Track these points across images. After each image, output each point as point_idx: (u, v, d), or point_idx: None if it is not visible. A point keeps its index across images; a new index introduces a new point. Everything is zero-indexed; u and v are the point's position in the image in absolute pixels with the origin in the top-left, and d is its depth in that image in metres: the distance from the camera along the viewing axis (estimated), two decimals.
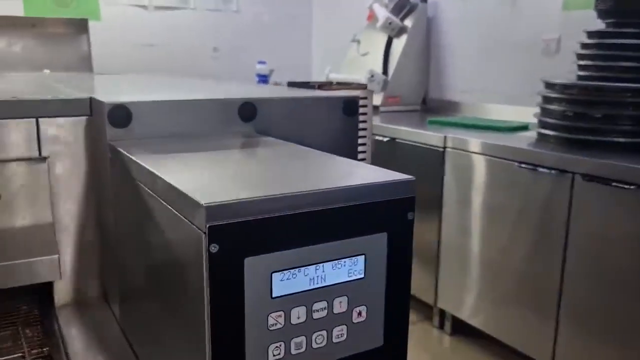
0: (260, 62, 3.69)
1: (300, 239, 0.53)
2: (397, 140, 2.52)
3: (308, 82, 1.22)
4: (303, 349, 0.54)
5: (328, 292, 0.55)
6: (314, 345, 0.55)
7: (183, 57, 3.76)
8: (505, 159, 2.04)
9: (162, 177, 0.58)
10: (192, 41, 3.84)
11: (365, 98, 1.23)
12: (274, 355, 0.53)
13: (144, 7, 3.68)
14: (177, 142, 0.81)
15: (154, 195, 0.60)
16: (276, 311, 0.53)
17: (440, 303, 2.43)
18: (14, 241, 0.87)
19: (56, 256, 0.87)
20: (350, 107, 0.99)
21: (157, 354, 0.69)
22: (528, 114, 2.31)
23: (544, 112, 2.07)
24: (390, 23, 3.11)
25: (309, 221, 0.53)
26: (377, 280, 0.58)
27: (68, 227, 0.91)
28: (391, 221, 0.58)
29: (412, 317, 2.58)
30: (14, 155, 0.86)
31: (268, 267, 0.51)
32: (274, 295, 0.52)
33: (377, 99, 3.07)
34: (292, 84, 1.24)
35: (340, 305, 0.56)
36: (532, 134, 2.20)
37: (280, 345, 0.53)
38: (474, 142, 2.17)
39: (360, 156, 1.17)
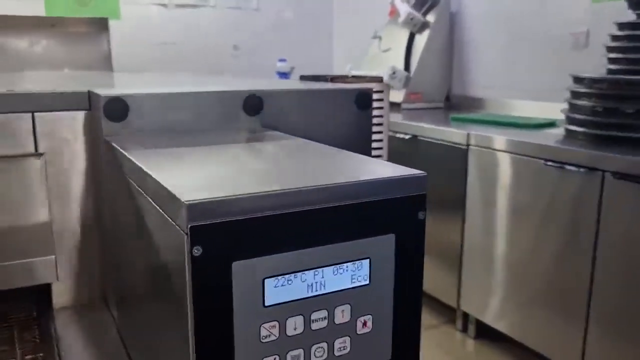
0: (281, 60, 3.65)
1: (296, 240, 0.47)
2: (418, 137, 2.46)
3: (321, 76, 1.16)
4: None
5: (328, 300, 0.50)
6: (313, 359, 0.50)
7: (203, 56, 3.74)
8: (531, 156, 1.96)
9: (149, 172, 0.53)
10: (213, 39, 3.81)
11: (381, 91, 1.17)
12: None
13: (164, 5, 3.66)
14: (176, 137, 0.76)
15: (143, 192, 0.56)
16: (269, 321, 0.47)
17: (464, 306, 2.36)
18: (9, 241, 0.83)
19: (52, 257, 0.84)
20: (363, 100, 0.94)
21: None
22: (555, 110, 2.23)
23: (572, 107, 1.98)
24: (412, 18, 3.04)
25: (306, 221, 0.47)
26: (384, 286, 0.52)
27: (66, 227, 0.87)
28: (400, 221, 0.52)
29: (434, 320, 2.51)
30: (9, 152, 0.82)
31: (260, 272, 0.46)
32: (266, 304, 0.47)
33: (399, 96, 3.01)
34: (304, 78, 1.19)
35: (342, 314, 0.51)
36: (559, 131, 2.12)
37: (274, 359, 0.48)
38: (499, 139, 2.09)
39: (374, 153, 1.11)
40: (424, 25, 3.06)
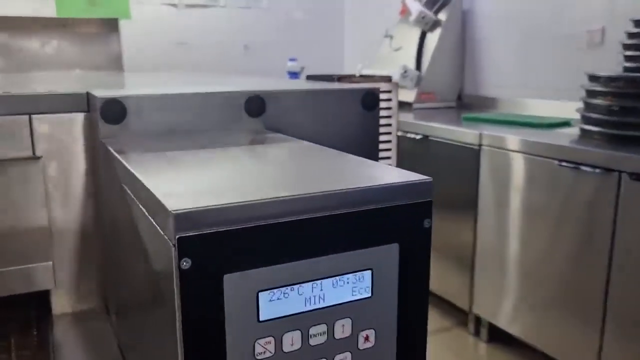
0: (291, 60, 3.63)
1: (292, 251, 0.44)
2: (430, 138, 2.42)
3: (328, 75, 1.13)
4: None
5: (328, 314, 0.47)
6: None
7: (214, 55, 3.72)
8: (545, 157, 1.92)
9: (140, 178, 0.50)
10: (223, 39, 3.80)
11: (389, 91, 1.14)
12: None
13: (174, 5, 3.65)
14: (175, 139, 0.73)
15: (134, 199, 0.53)
16: (264, 337, 0.45)
17: (476, 309, 2.32)
18: (5, 247, 0.81)
19: (50, 263, 0.82)
20: (370, 100, 0.91)
21: None
22: (570, 109, 2.18)
23: (588, 106, 1.94)
24: (423, 17, 3.00)
25: (303, 230, 0.45)
26: (387, 299, 0.49)
27: (65, 232, 0.85)
28: (404, 230, 0.49)
29: (446, 322, 2.48)
30: (6, 155, 0.80)
31: (253, 285, 0.43)
32: (261, 319, 0.44)
33: (410, 96, 2.97)
34: (311, 77, 1.16)
35: (342, 329, 0.48)
36: (574, 131, 2.07)
37: None
38: (512, 139, 2.05)
39: (382, 155, 1.08)
40: (436, 24, 3.02)
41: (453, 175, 2.32)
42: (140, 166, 0.55)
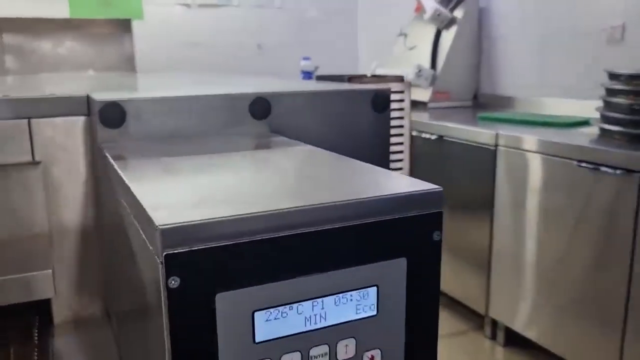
0: (305, 59, 3.60)
1: (290, 267, 0.41)
2: (444, 138, 2.38)
3: (339, 75, 1.10)
4: None
5: (330, 334, 0.44)
6: None
7: (227, 55, 3.71)
8: (563, 157, 1.87)
9: (131, 187, 0.47)
10: (236, 39, 3.78)
11: (401, 92, 1.10)
12: None
13: (187, 5, 3.64)
14: (176, 144, 0.71)
15: (127, 208, 0.50)
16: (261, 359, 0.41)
17: (492, 312, 2.27)
18: (4, 255, 0.79)
19: (49, 271, 0.79)
20: (381, 101, 0.87)
21: None
22: (589, 108, 2.12)
23: (608, 105, 1.88)
24: (439, 14, 2.95)
25: (302, 245, 0.42)
26: (394, 317, 0.46)
27: (65, 239, 0.82)
28: (412, 243, 0.46)
29: (462, 326, 2.43)
30: (4, 160, 0.78)
31: (248, 305, 0.40)
32: (257, 340, 0.41)
33: (425, 95, 2.93)
34: (321, 78, 1.13)
35: (346, 349, 0.44)
36: (593, 130, 2.01)
37: None
38: (529, 139, 2.00)
39: (394, 157, 1.05)
40: (451, 21, 2.97)
41: (469, 177, 2.28)
42: (134, 174, 0.53)
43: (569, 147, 1.86)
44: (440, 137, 2.40)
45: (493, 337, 2.32)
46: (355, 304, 0.44)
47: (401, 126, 1.11)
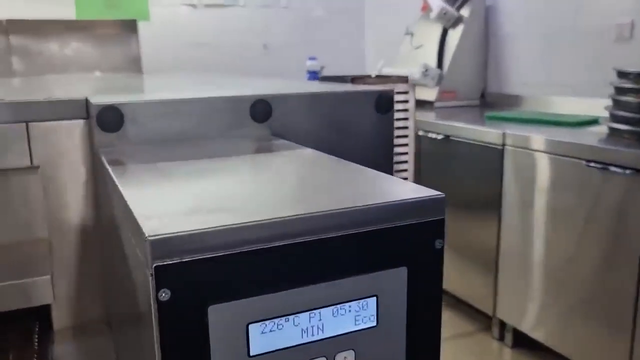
0: (311, 59, 3.58)
1: (286, 278, 0.40)
2: (451, 138, 2.35)
3: (342, 76, 1.08)
4: None
5: (328, 346, 0.42)
6: None
7: (233, 55, 3.70)
8: (571, 157, 1.85)
9: (124, 194, 0.46)
10: (242, 39, 3.77)
11: (406, 92, 1.09)
12: None
13: (193, 6, 3.64)
14: (174, 148, 0.69)
15: (120, 216, 0.49)
16: None
17: (500, 313, 2.25)
18: (3, 260, 0.78)
19: (48, 277, 0.78)
20: (384, 103, 0.86)
21: None
22: (598, 106, 2.10)
23: (617, 104, 1.86)
24: (445, 13, 2.93)
25: (299, 255, 0.40)
26: (395, 328, 0.44)
27: (64, 244, 0.81)
28: (413, 252, 0.44)
29: (470, 327, 2.41)
30: (2, 165, 0.77)
31: (242, 317, 0.39)
32: (252, 353, 0.40)
33: (431, 94, 2.91)
34: (325, 79, 1.12)
35: None
36: (602, 129, 1.99)
37: None
38: (537, 138, 1.97)
39: (398, 159, 1.03)
40: (458, 20, 2.95)
41: (476, 177, 2.26)
42: (129, 180, 0.52)
43: (578, 147, 1.84)
44: (447, 136, 2.38)
45: (501, 338, 2.30)
46: (354, 315, 0.43)
47: (406, 127, 1.09)
